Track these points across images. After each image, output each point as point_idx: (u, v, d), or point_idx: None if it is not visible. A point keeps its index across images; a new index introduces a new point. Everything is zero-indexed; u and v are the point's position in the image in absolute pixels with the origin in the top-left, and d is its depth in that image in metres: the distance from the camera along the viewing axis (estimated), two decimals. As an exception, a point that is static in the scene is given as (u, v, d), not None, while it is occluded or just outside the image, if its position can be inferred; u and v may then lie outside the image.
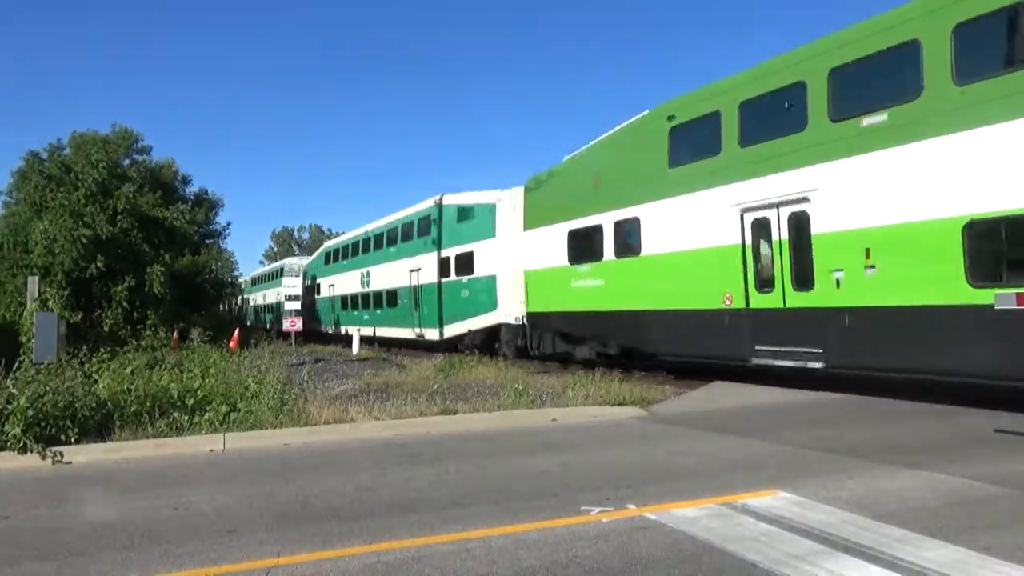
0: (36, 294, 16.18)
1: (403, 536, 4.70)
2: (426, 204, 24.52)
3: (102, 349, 12.89)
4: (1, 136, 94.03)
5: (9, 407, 7.82)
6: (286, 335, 28.56)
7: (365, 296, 29.94)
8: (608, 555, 4.23)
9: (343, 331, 32.24)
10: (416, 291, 24.48)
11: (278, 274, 45.16)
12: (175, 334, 21.71)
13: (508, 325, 18.89)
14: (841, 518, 4.79)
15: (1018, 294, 8.09)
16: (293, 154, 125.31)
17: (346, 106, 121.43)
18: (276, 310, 42.06)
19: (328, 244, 39.15)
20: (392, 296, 26.79)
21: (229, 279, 39.31)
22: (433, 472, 6.59)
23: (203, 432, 8.61)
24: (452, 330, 21.88)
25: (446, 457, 7.32)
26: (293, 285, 29.44)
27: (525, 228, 18.04)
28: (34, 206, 23.02)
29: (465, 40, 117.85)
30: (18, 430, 7.57)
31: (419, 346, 24.52)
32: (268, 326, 42.65)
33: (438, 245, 22.89)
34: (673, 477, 6.16)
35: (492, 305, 19.46)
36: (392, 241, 27.35)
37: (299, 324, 27.46)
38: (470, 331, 20.75)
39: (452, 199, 22.74)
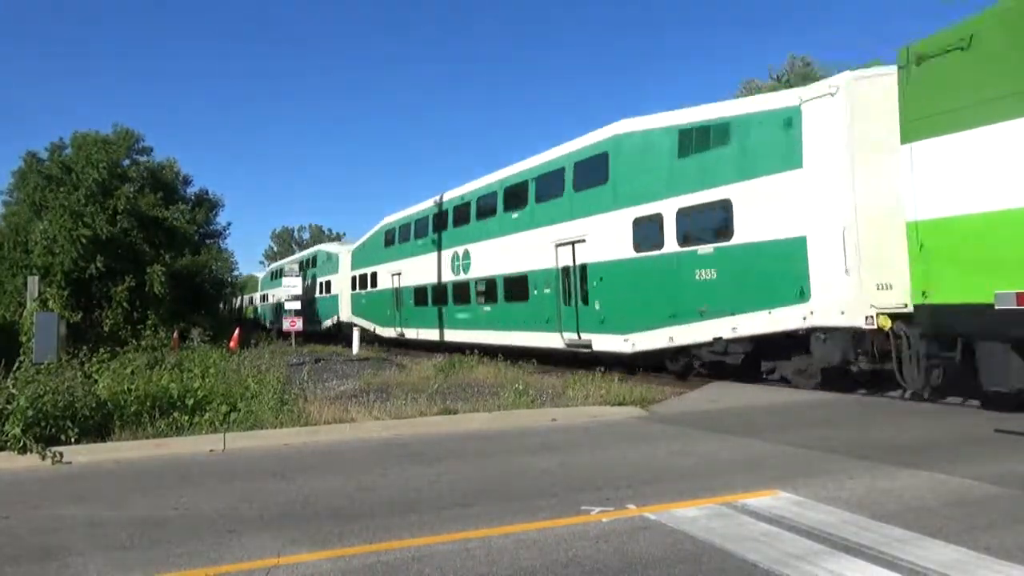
0: (36, 294, 16.22)
1: (403, 536, 4.70)
2: (594, 137, 15.94)
3: (102, 349, 12.89)
4: (1, 136, 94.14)
5: (9, 407, 7.82)
6: (286, 335, 28.46)
7: (460, 286, 21.47)
8: (608, 555, 4.23)
9: (416, 336, 25.29)
10: (571, 275, 16.28)
11: (309, 263, 39.39)
12: (175, 334, 21.73)
13: (835, 330, 10.67)
14: (841, 518, 4.79)
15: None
16: (293, 154, 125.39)
17: (347, 105, 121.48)
18: (310, 307, 35.54)
19: (389, 219, 28.43)
20: (517, 285, 18.52)
21: (229, 279, 39.17)
22: (433, 472, 6.59)
23: (203, 432, 8.60)
24: (664, 336, 13.49)
25: (446, 457, 7.32)
26: (293, 285, 29.14)
27: (910, 138, 9.06)
28: (34, 206, 23.04)
29: (467, 39, 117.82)
30: (18, 430, 7.57)
31: (563, 360, 16.86)
32: (268, 325, 41.98)
33: (628, 199, 14.48)
34: (673, 477, 6.16)
35: (793, 292, 11.12)
36: (516, 202, 18.80)
37: (299, 324, 27.37)
38: (719, 339, 12.41)
39: (654, 121, 14.20)
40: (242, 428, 8.74)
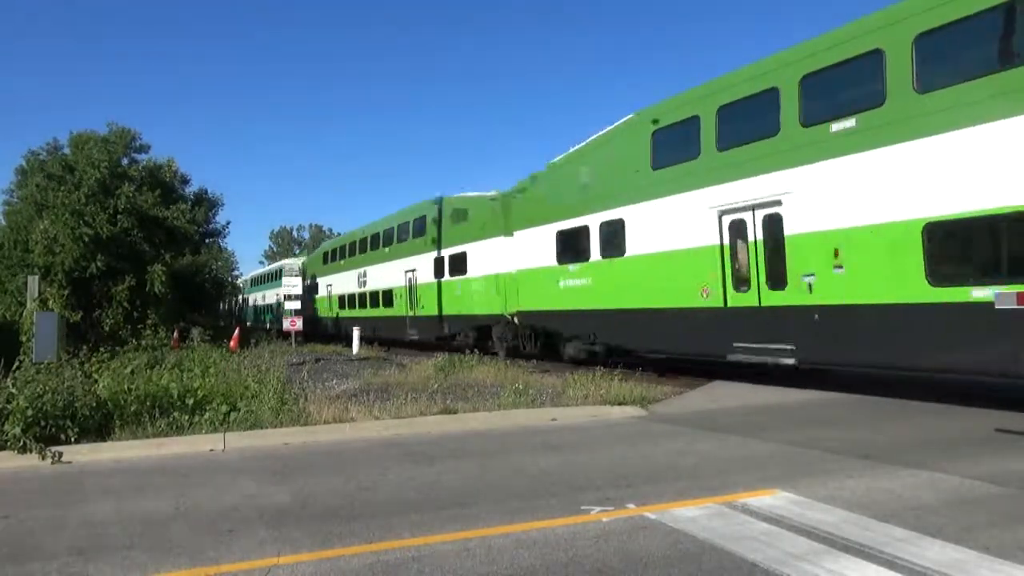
0: (36, 293, 16.21)
1: (403, 536, 4.70)
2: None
3: (102, 349, 12.89)
4: (1, 136, 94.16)
5: (9, 407, 7.82)
6: (286, 335, 28.43)
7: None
8: (608, 554, 4.23)
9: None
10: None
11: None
12: (175, 333, 21.73)
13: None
14: (841, 517, 4.79)
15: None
16: (293, 154, 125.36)
17: (347, 106, 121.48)
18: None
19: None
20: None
21: (229, 279, 39.24)
22: (433, 472, 6.59)
23: (203, 432, 8.60)
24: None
25: (446, 457, 7.32)
26: (293, 285, 29.18)
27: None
28: (35, 205, 23.03)
29: (466, 40, 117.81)
30: (18, 430, 7.58)
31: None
32: (268, 326, 42.61)
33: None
34: (673, 477, 6.16)
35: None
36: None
37: (299, 324, 27.36)
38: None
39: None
40: (242, 428, 8.73)
